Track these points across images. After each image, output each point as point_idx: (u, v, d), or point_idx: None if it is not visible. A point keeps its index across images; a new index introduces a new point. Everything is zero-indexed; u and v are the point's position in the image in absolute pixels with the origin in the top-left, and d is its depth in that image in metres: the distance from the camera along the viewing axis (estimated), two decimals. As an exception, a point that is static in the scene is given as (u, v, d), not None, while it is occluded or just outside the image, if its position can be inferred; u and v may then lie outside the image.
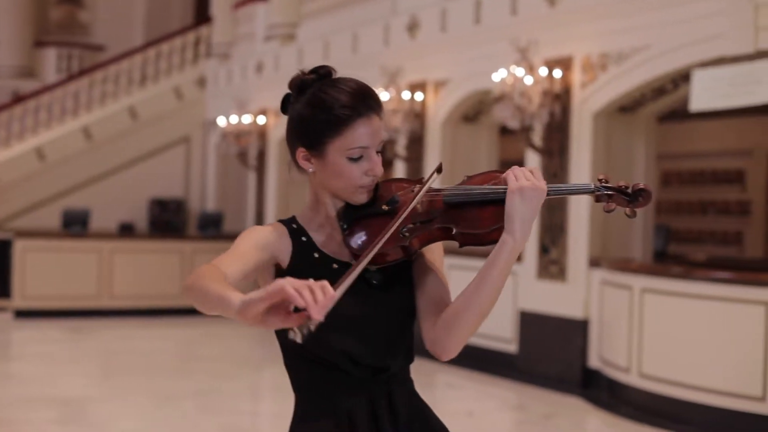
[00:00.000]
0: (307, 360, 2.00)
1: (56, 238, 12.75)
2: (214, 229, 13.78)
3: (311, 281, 1.63)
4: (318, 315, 1.60)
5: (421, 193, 2.00)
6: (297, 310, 1.64)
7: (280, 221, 2.11)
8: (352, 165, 1.99)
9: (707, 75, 7.24)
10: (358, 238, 2.02)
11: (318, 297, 1.61)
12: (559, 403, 7.80)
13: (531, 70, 8.30)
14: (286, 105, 2.07)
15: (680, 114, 9.98)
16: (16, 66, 18.35)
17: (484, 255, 2.00)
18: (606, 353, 7.80)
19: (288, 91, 2.07)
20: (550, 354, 8.41)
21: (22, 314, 12.15)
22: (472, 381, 8.73)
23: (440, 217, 2.00)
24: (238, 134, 13.42)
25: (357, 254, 2.00)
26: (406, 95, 10.05)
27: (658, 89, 8.21)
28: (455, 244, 2.01)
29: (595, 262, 8.09)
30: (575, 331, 8.19)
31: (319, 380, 2.03)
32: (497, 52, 8.88)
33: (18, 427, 6.66)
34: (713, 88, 7.18)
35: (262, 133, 13.27)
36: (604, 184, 2.02)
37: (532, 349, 8.65)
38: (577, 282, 8.22)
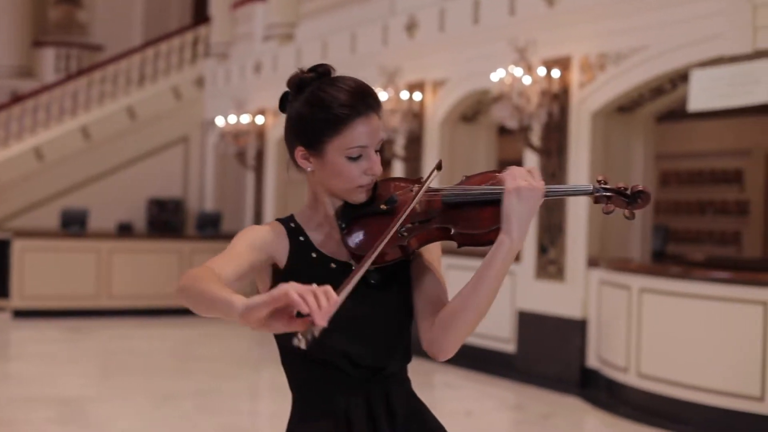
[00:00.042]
0: (305, 360, 1.99)
1: (55, 238, 12.74)
2: (213, 229, 13.78)
3: (315, 286, 1.63)
4: (322, 321, 1.60)
5: (421, 192, 2.00)
6: (300, 314, 1.65)
7: (278, 220, 2.10)
8: (351, 164, 1.99)
9: (706, 75, 7.24)
10: (356, 238, 2.01)
11: (322, 303, 1.61)
12: (558, 402, 7.80)
13: (529, 70, 8.30)
14: (284, 103, 2.06)
15: (679, 114, 9.98)
16: (14, 66, 18.35)
17: (483, 255, 1.99)
18: (604, 353, 7.80)
19: (286, 89, 2.07)
20: (549, 354, 8.41)
21: (21, 314, 12.15)
22: (470, 381, 8.73)
23: (439, 217, 2.00)
24: (236, 134, 13.42)
25: (355, 254, 2.00)
26: (404, 95, 10.05)
27: (657, 89, 8.21)
28: (453, 244, 2.01)
29: (593, 262, 8.09)
30: (574, 331, 8.19)
31: (317, 380, 2.03)
32: (496, 52, 8.88)
33: (17, 427, 6.66)
34: (712, 88, 7.18)
35: (260, 133, 13.27)
36: (603, 186, 2.02)
37: (530, 349, 8.65)
38: (576, 282, 8.23)
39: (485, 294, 1.96)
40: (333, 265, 2.04)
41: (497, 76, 8.42)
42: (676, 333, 6.98)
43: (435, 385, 8.57)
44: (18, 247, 12.28)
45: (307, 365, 2.02)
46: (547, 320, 8.45)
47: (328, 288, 1.64)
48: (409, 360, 2.12)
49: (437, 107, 9.97)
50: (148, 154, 15.31)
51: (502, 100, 8.36)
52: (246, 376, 9.01)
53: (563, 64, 8.31)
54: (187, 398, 7.84)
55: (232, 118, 13.49)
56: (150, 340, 11.14)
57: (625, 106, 8.42)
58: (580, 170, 8.18)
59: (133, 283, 12.66)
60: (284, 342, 2.01)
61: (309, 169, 2.03)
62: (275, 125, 12.95)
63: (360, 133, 1.97)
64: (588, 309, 8.13)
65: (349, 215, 2.04)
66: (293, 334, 1.66)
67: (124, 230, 14.05)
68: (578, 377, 8.12)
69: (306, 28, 12.98)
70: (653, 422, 6.94)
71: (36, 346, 10.48)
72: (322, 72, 2.03)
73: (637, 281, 7.30)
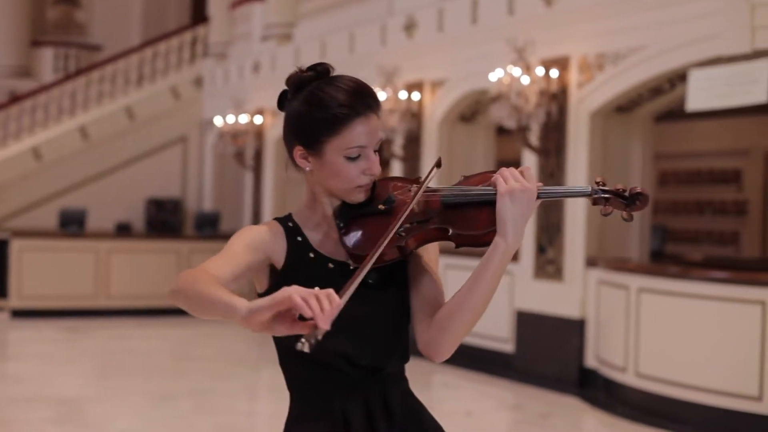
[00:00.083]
0: (302, 359, 1.96)
1: (53, 237, 12.74)
2: (211, 228, 13.77)
3: (317, 290, 1.64)
4: (325, 325, 1.61)
5: (421, 191, 2.00)
6: (302, 317, 1.65)
7: (276, 219, 2.10)
8: (349, 164, 1.98)
9: (704, 75, 7.24)
10: (354, 237, 2.01)
11: (324, 306, 1.62)
12: (556, 402, 7.80)
13: (528, 69, 8.30)
14: (283, 101, 2.06)
15: (677, 114, 9.98)
16: (12, 66, 18.34)
17: (480, 255, 1.99)
18: (603, 353, 7.80)
19: (285, 88, 2.06)
20: (547, 354, 8.41)
21: (19, 314, 12.14)
22: (468, 381, 8.73)
23: (437, 218, 2.00)
24: (235, 134, 13.41)
25: (353, 253, 2.00)
26: (403, 95, 10.05)
27: (655, 89, 8.22)
28: (451, 244, 2.01)
29: (591, 262, 8.09)
30: (572, 330, 8.19)
31: (315, 380, 2.03)
32: (494, 52, 8.88)
33: (15, 427, 6.66)
34: (710, 88, 7.19)
35: (259, 132, 13.27)
36: (601, 187, 2.02)
37: (528, 349, 8.65)
38: (574, 282, 8.23)
39: (482, 295, 1.96)
40: (331, 265, 2.03)
41: (496, 76, 8.42)
42: (674, 333, 6.98)
43: (434, 385, 8.57)
44: (16, 247, 12.27)
45: (305, 365, 2.01)
46: (545, 320, 8.45)
47: (331, 291, 1.65)
48: (406, 360, 2.12)
49: (436, 107, 9.98)
50: (146, 154, 15.30)
51: (500, 100, 8.36)
52: (244, 376, 9.00)
53: (562, 64, 8.31)
54: (185, 398, 7.84)
55: (231, 118, 13.48)
56: (148, 340, 11.14)
57: (624, 106, 8.43)
58: (578, 170, 8.18)
59: (132, 283, 12.66)
60: (282, 342, 2.01)
61: (307, 168, 2.03)
62: (274, 125, 12.95)
63: (359, 133, 1.97)
64: (586, 309, 8.14)
65: (348, 215, 2.04)
66: (294, 336, 1.67)
67: (123, 230, 14.05)
68: (576, 377, 8.12)
69: (304, 28, 12.98)
70: (651, 422, 6.94)
71: (34, 346, 10.48)
72: (321, 71, 2.02)
73: (636, 281, 7.31)
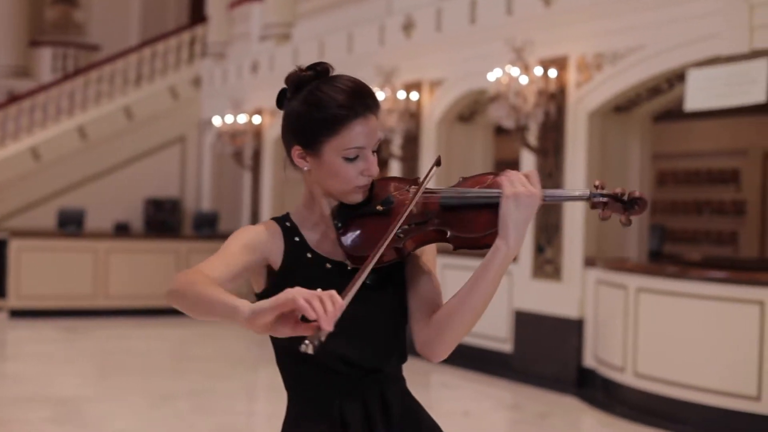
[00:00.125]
0: (300, 359, 1.95)
1: (51, 237, 12.73)
2: (210, 228, 13.77)
3: (320, 291, 1.64)
4: (329, 326, 1.62)
5: (420, 192, 2.00)
6: (305, 318, 1.66)
7: (274, 219, 2.09)
8: (347, 165, 1.98)
9: (702, 75, 7.24)
10: (352, 238, 2.01)
11: (328, 308, 1.62)
12: (555, 402, 7.80)
13: (526, 69, 8.30)
14: (282, 100, 2.05)
15: (675, 114, 9.99)
16: (11, 66, 18.33)
17: (480, 255, 1.99)
18: (601, 353, 7.80)
19: (284, 86, 2.06)
20: (546, 353, 8.41)
21: (18, 314, 12.13)
22: (467, 381, 8.73)
23: (435, 219, 2.00)
24: (233, 134, 13.41)
25: (350, 254, 1.99)
26: (401, 95, 10.05)
27: (653, 89, 8.22)
28: (449, 245, 2.01)
29: (590, 262, 8.09)
30: (570, 330, 8.19)
31: (312, 380, 2.03)
32: (492, 51, 8.88)
33: (13, 427, 6.66)
34: (708, 88, 7.19)
35: (257, 132, 13.27)
36: (599, 192, 2.02)
37: (527, 349, 8.65)
38: (573, 281, 8.23)
39: (481, 297, 1.96)
40: (328, 266, 2.03)
41: (494, 75, 8.42)
42: (672, 333, 6.98)
43: (432, 385, 8.58)
44: (15, 246, 12.26)
45: (303, 365, 2.01)
46: (544, 320, 8.46)
47: (333, 293, 1.65)
48: (404, 360, 2.12)
49: (434, 107, 9.98)
50: (145, 154, 15.30)
51: (498, 99, 8.35)
52: (242, 377, 9.00)
53: (560, 63, 8.31)
54: (184, 398, 7.84)
55: (229, 118, 13.48)
56: (147, 340, 11.13)
57: (622, 106, 8.43)
58: (576, 170, 8.18)
59: (130, 283, 12.66)
60: (279, 342, 2.00)
61: (306, 168, 2.02)
62: (272, 125, 12.95)
63: (357, 134, 1.96)
64: (585, 309, 8.14)
65: (346, 215, 2.03)
66: (294, 337, 1.67)
67: (121, 230, 14.04)
68: (575, 377, 8.12)
69: (303, 28, 12.98)
70: (650, 422, 6.95)
71: (32, 346, 10.47)
72: (320, 71, 2.01)
73: (634, 281, 7.31)
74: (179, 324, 11.24)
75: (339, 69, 2.07)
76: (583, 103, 8.20)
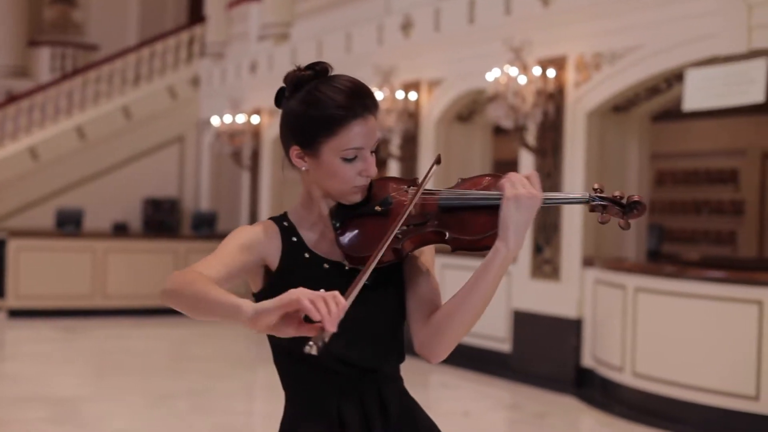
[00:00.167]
0: (298, 359, 1.96)
1: (50, 237, 12.73)
2: (208, 228, 13.77)
3: (323, 292, 1.65)
4: (332, 327, 1.62)
5: (419, 193, 1.99)
6: (308, 319, 1.65)
7: (272, 219, 2.09)
8: (346, 165, 1.97)
9: (701, 74, 7.24)
10: (350, 238, 2.00)
11: (332, 308, 1.62)
12: (553, 402, 7.80)
13: (525, 69, 8.30)
14: (280, 99, 2.04)
15: (674, 113, 9.98)
16: (9, 65, 18.32)
17: (479, 255, 1.99)
18: (599, 352, 7.80)
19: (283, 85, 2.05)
20: (544, 353, 8.42)
21: (16, 314, 12.13)
22: (466, 381, 8.73)
23: (434, 221, 1.99)
24: (231, 134, 13.40)
25: (348, 254, 1.99)
26: (399, 95, 10.05)
27: (652, 89, 8.22)
28: (448, 246, 2.01)
29: (588, 262, 8.09)
30: (569, 330, 8.20)
31: (310, 380, 2.03)
32: (491, 51, 8.88)
33: (12, 427, 6.65)
34: (707, 88, 7.19)
35: (255, 132, 13.26)
36: (598, 195, 2.02)
37: (525, 349, 8.65)
38: (571, 281, 8.23)
39: (480, 299, 1.95)
40: (326, 266, 2.03)
41: (492, 75, 8.42)
42: (671, 332, 6.98)
43: (431, 385, 8.58)
44: (13, 246, 12.26)
45: (300, 365, 2.00)
46: (542, 320, 8.46)
47: (337, 293, 1.65)
48: (402, 360, 2.12)
49: (432, 107, 9.97)
50: (143, 154, 15.30)
51: (497, 99, 8.35)
52: (241, 376, 9.00)
53: (558, 63, 8.31)
54: (182, 398, 7.83)
55: (228, 118, 13.48)
56: (145, 340, 11.13)
57: (621, 106, 8.43)
58: (575, 170, 8.18)
59: (129, 282, 12.65)
60: (277, 341, 2.00)
61: (304, 168, 2.02)
62: (271, 125, 12.95)
63: (356, 134, 1.96)
64: (583, 308, 8.14)
65: (344, 215, 2.03)
66: (295, 338, 1.67)
67: (120, 230, 14.04)
68: (573, 377, 8.12)
69: (301, 28, 12.98)
70: (648, 421, 6.95)
71: (31, 346, 10.47)
72: (319, 70, 2.00)
73: (632, 281, 7.31)
74: (178, 324, 11.24)
75: (337, 69, 2.07)
76: (582, 103, 8.20)
